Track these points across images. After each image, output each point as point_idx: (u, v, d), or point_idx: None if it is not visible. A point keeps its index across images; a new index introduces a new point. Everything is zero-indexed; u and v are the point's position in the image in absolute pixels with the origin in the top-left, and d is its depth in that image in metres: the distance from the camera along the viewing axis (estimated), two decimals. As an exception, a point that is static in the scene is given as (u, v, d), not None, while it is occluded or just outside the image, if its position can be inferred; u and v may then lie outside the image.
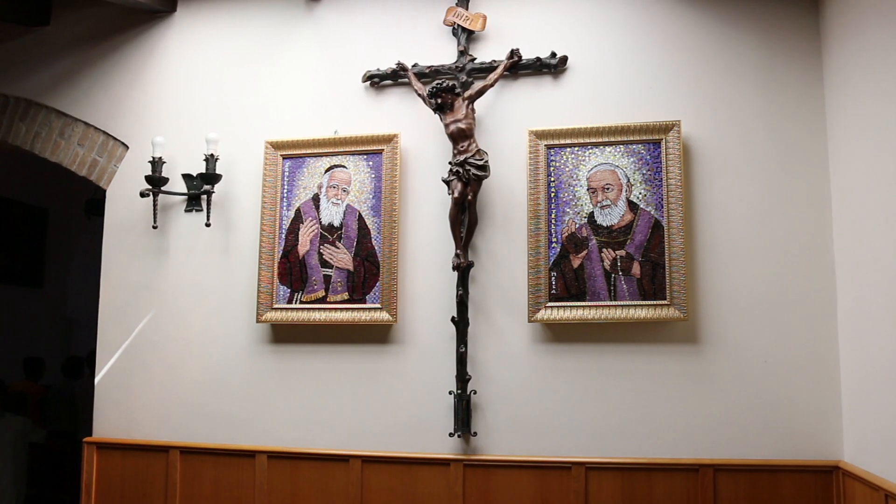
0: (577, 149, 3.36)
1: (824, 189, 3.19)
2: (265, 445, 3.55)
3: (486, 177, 3.35)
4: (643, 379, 3.25)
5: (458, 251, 3.37)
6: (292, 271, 3.59)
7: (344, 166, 3.60)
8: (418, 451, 3.39)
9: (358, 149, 3.58)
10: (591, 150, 3.35)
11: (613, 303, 3.24)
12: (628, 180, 3.30)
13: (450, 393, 3.37)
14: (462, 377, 3.35)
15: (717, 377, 3.20)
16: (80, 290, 7.12)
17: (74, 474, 4.46)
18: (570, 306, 3.28)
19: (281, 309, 3.57)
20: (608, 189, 3.31)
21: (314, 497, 3.46)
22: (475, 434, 3.35)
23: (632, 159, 3.31)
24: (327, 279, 3.54)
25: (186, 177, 3.81)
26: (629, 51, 3.44)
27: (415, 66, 3.58)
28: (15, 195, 6.77)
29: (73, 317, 7.48)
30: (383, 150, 3.54)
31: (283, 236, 3.62)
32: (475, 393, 3.36)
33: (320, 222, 3.59)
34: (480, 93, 3.41)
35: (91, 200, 6.85)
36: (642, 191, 3.28)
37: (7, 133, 4.15)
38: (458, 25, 3.55)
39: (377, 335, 3.51)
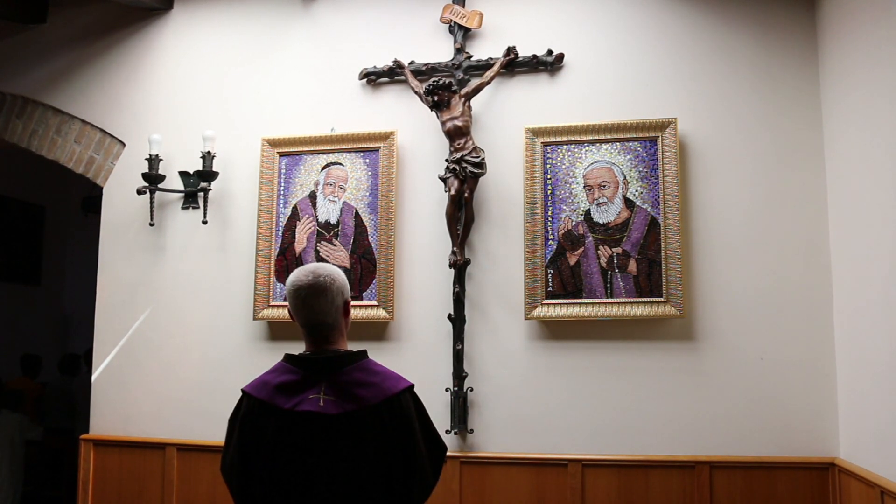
0: (573, 146, 3.36)
1: (820, 186, 3.19)
2: (262, 442, 3.54)
3: (482, 174, 3.36)
4: (639, 376, 3.25)
5: (455, 248, 3.37)
6: (289, 269, 3.58)
7: (340, 164, 3.60)
8: (415, 449, 3.39)
9: (354, 146, 3.58)
10: (587, 148, 3.35)
11: (610, 300, 3.25)
12: (625, 178, 3.30)
13: (446, 390, 3.37)
14: (459, 374, 3.35)
15: (714, 374, 3.20)
16: (76, 288, 7.10)
17: (71, 471, 4.46)
18: (567, 303, 3.28)
19: (277, 306, 3.57)
20: (604, 186, 3.32)
21: (311, 494, 3.46)
22: (472, 431, 3.35)
23: (628, 157, 3.31)
24: (324, 276, 3.53)
25: (183, 174, 3.81)
26: (626, 48, 3.44)
27: (411, 63, 3.58)
28: (12, 192, 6.75)
29: (70, 314, 7.46)
30: (380, 147, 3.54)
31: (280, 233, 3.62)
32: (472, 390, 3.36)
33: (317, 220, 3.59)
34: (477, 90, 3.41)
35: (88, 198, 6.84)
36: (639, 188, 3.28)
37: (4, 130, 4.14)
38: (455, 23, 3.55)
39: (374, 332, 3.50)
